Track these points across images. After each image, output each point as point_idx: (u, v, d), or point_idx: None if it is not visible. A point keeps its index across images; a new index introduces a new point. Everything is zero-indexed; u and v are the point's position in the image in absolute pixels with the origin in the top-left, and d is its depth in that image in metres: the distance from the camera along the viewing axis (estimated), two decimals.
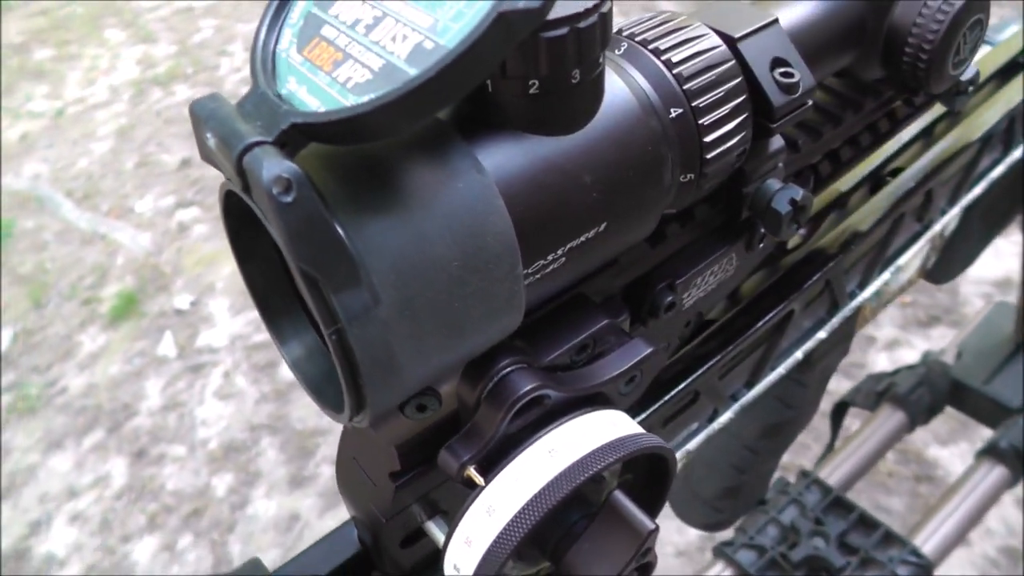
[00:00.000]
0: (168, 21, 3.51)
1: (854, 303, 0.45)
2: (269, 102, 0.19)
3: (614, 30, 0.25)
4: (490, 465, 0.23)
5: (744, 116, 0.25)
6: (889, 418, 0.78)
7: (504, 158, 0.21)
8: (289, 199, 0.17)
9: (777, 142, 0.28)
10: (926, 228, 0.49)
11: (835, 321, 0.44)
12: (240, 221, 0.21)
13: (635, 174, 0.22)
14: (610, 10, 0.20)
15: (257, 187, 0.17)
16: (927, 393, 0.78)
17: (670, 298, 0.28)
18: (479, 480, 0.23)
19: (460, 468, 0.23)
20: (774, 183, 0.28)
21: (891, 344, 1.58)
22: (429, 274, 0.19)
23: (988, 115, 0.49)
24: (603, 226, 0.22)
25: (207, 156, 0.19)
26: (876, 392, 0.79)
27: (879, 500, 1.35)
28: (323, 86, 0.19)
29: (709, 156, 0.24)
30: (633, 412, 0.34)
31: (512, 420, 0.23)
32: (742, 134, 0.25)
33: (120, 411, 1.77)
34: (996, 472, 0.74)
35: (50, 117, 2.86)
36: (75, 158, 2.64)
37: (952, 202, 0.50)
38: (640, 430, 0.24)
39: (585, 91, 0.21)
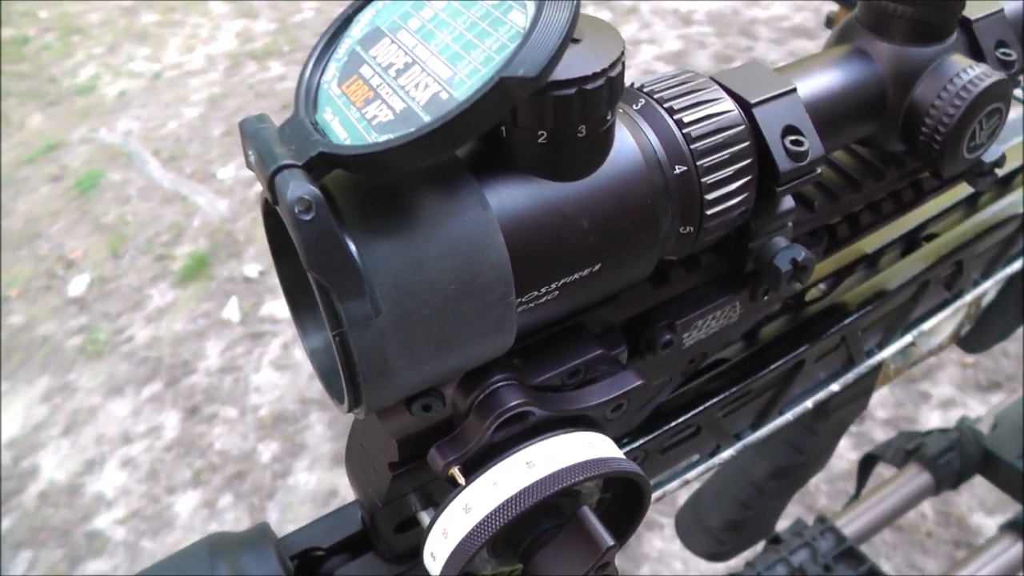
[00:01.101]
0: None
1: (871, 361, 0.46)
2: (304, 129, 0.21)
3: (638, 84, 0.27)
4: (473, 468, 0.25)
5: (748, 178, 0.26)
6: (915, 478, 0.78)
7: (509, 197, 0.23)
8: (308, 218, 0.19)
9: (787, 203, 0.30)
10: (956, 297, 0.49)
11: (850, 376, 0.45)
12: (276, 223, 0.24)
13: (632, 223, 0.25)
14: (620, 73, 0.22)
15: (282, 204, 0.19)
16: (956, 458, 0.78)
17: (668, 336, 0.30)
18: (461, 480, 0.25)
19: (445, 467, 0.26)
20: (780, 241, 0.30)
21: (946, 403, 1.56)
22: (426, 294, 0.22)
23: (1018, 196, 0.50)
24: (597, 267, 0.25)
25: (250, 167, 0.21)
26: (905, 450, 0.79)
27: (914, 559, 1.33)
28: (353, 120, 0.22)
29: (710, 212, 0.26)
30: (633, 437, 0.36)
31: (497, 430, 0.25)
32: (745, 195, 0.27)
33: (179, 367, 1.84)
34: (1017, 548, 0.73)
35: (148, 79, 2.97)
36: (166, 120, 2.73)
37: (986, 275, 0.51)
38: (617, 455, 0.26)
39: (590, 144, 0.23)
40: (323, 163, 0.21)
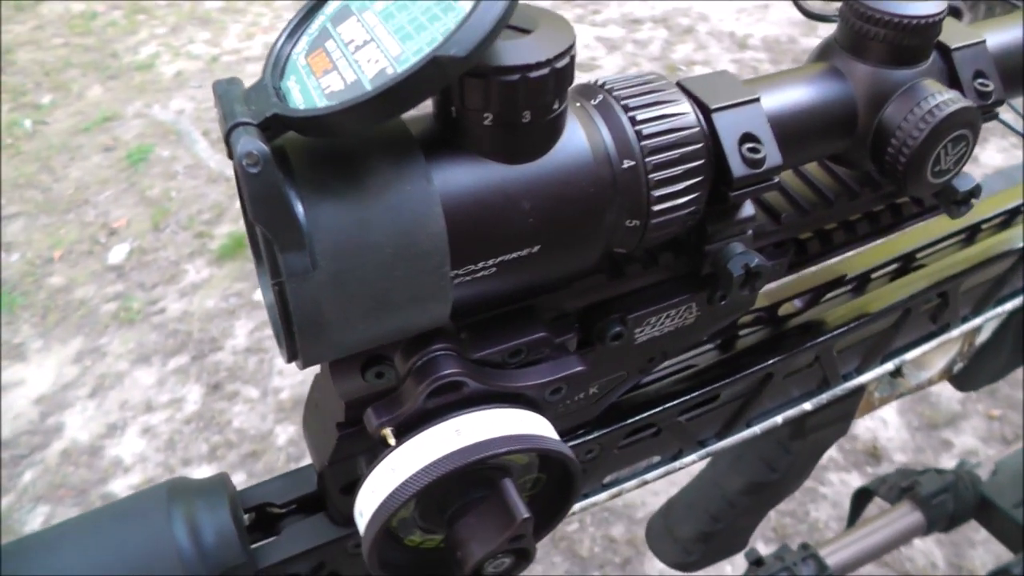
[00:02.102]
0: None
1: (847, 385, 0.46)
2: (266, 93, 0.23)
3: (601, 81, 0.28)
4: (404, 431, 0.27)
5: (698, 179, 0.27)
6: (906, 516, 0.77)
7: (453, 174, 0.24)
8: (255, 171, 0.21)
9: (746, 210, 0.30)
10: (942, 331, 0.49)
11: (824, 397, 0.46)
12: None
13: (574, 210, 0.26)
14: (566, 65, 0.24)
15: (234, 158, 0.21)
16: (951, 501, 0.77)
17: (618, 329, 0.31)
18: (391, 441, 0.27)
19: (378, 427, 0.27)
20: (737, 246, 0.30)
21: (968, 454, 1.54)
22: (364, 255, 0.23)
23: (1019, 235, 0.50)
24: (536, 248, 0.26)
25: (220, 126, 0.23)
26: (900, 487, 0.79)
27: None
28: (311, 88, 0.23)
29: (656, 208, 0.27)
30: (589, 429, 0.37)
31: (430, 397, 0.26)
32: (693, 195, 0.27)
33: (207, 343, 1.87)
34: None
35: (205, 61, 3.03)
36: None
37: (977, 312, 0.51)
38: (547, 434, 0.27)
39: (535, 130, 0.24)
40: (277, 124, 0.22)
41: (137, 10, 3.41)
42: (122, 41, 3.18)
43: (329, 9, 0.26)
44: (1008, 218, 0.52)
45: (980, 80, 0.34)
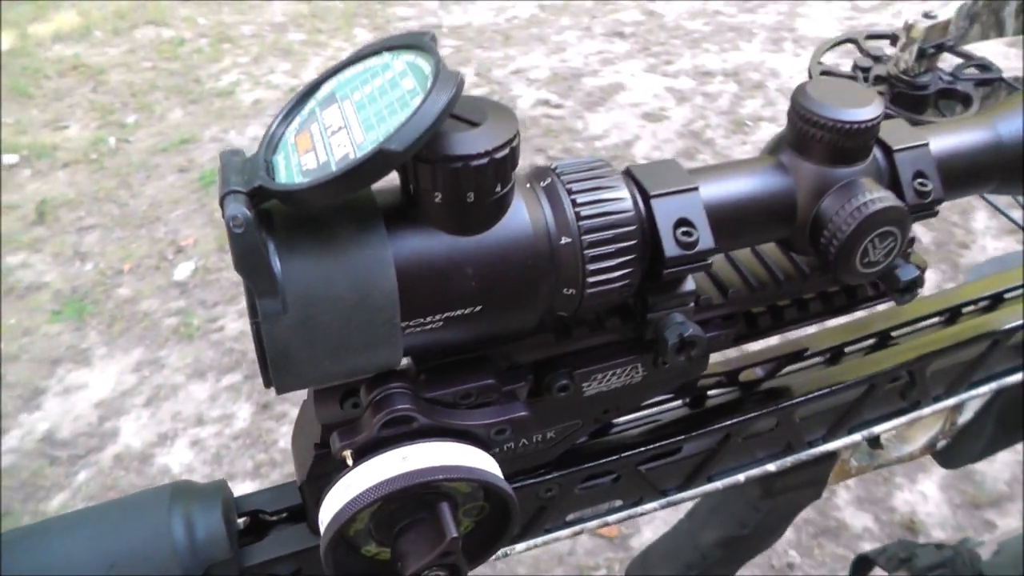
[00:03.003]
0: None
1: (813, 451, 0.49)
2: (257, 166, 0.28)
3: (554, 166, 0.32)
4: (361, 454, 0.31)
5: (630, 257, 0.31)
6: None
7: (406, 241, 0.28)
8: (239, 231, 0.26)
9: (688, 285, 0.34)
10: (913, 407, 0.52)
11: (788, 461, 0.49)
12: None
13: (512, 277, 0.30)
14: (506, 156, 0.28)
15: (224, 219, 0.26)
16: None
17: (565, 382, 0.35)
18: (349, 462, 0.31)
19: (339, 449, 0.31)
20: (677, 316, 0.34)
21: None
22: (327, 304, 0.28)
23: (997, 320, 0.52)
24: (478, 308, 0.30)
25: None
26: (899, 558, 0.80)
27: None
28: (292, 165, 0.28)
29: (590, 280, 0.31)
30: (549, 470, 0.41)
31: (384, 427, 0.31)
32: (626, 271, 0.31)
33: None
34: None
35: (283, 91, 3.15)
36: None
37: (950, 393, 0.53)
38: (485, 467, 0.31)
39: (479, 208, 0.29)
40: (262, 194, 0.27)
41: (223, 39, 3.57)
42: (206, 68, 3.34)
43: (321, 94, 0.31)
44: (991, 304, 0.55)
45: (920, 180, 0.37)
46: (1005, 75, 0.70)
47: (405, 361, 0.33)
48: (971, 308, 0.54)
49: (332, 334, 0.28)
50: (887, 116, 0.75)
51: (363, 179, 0.26)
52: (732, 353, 0.44)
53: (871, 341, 0.51)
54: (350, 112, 0.28)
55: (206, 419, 1.85)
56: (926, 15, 0.70)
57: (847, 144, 0.35)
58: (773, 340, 0.45)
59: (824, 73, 0.75)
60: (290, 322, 0.27)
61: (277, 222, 0.28)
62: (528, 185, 0.31)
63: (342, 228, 0.28)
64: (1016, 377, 0.55)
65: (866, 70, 0.75)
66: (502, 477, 0.32)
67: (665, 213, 0.32)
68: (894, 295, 0.39)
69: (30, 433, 1.84)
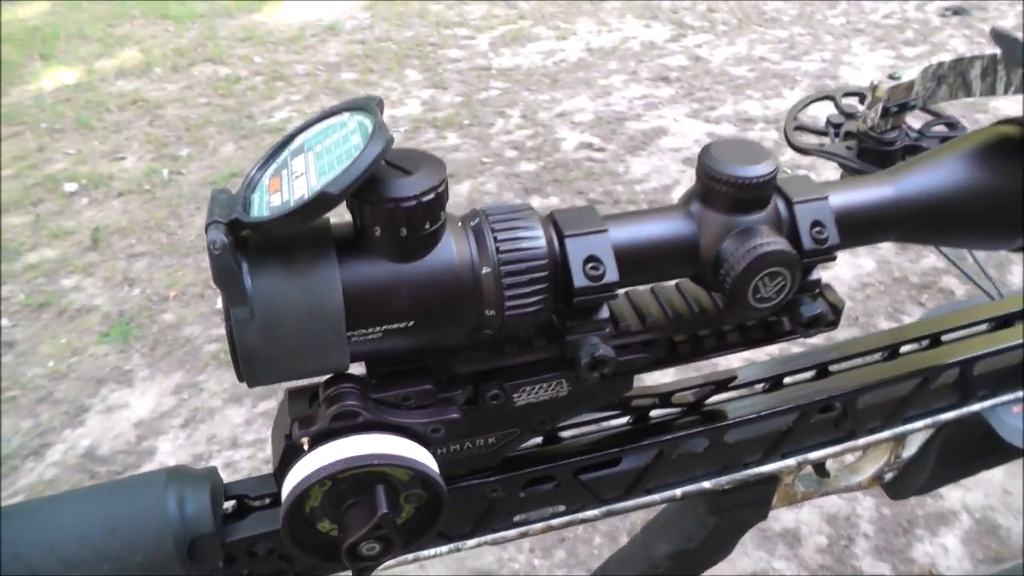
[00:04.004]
0: (464, 75, 3.86)
1: (748, 472, 0.54)
2: (236, 202, 0.35)
3: (484, 208, 0.39)
4: (315, 442, 0.37)
5: (542, 286, 0.37)
6: None
7: (352, 265, 0.35)
8: (217, 253, 0.32)
9: (602, 313, 0.40)
10: (848, 437, 0.57)
11: (723, 480, 0.54)
12: None
13: (439, 299, 0.36)
14: (432, 199, 0.34)
15: (207, 243, 0.33)
16: None
17: (495, 391, 0.41)
18: (306, 448, 0.37)
19: (298, 437, 0.38)
20: (592, 339, 0.40)
21: None
22: (286, 313, 0.34)
23: (931, 358, 0.57)
24: (411, 323, 0.36)
25: None
26: None
27: None
28: (263, 202, 0.35)
29: (508, 305, 0.37)
30: (492, 473, 0.47)
31: (335, 419, 0.37)
32: (538, 297, 0.37)
33: None
34: None
35: None
36: None
37: (886, 426, 0.58)
38: (418, 458, 0.37)
39: (412, 242, 0.35)
40: (237, 224, 0.34)
41: (277, 77, 3.73)
42: (259, 105, 3.48)
43: (293, 145, 0.38)
44: (930, 343, 0.59)
45: (817, 229, 0.42)
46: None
47: (361, 367, 0.39)
48: (909, 347, 0.59)
49: (290, 338, 0.35)
50: (857, 171, 0.81)
51: (309, 215, 0.32)
52: (699, 371, 0.50)
53: (810, 373, 0.56)
54: (311, 161, 0.35)
55: (240, 442, 1.93)
56: (891, 76, 0.76)
57: (743, 196, 0.41)
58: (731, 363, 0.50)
59: (798, 128, 0.81)
60: (256, 327, 0.34)
61: (251, 247, 0.35)
62: (460, 224, 0.38)
63: (302, 253, 0.35)
64: (951, 415, 0.60)
65: (837, 126, 0.80)
66: (433, 467, 0.38)
67: (576, 251, 0.38)
68: (799, 329, 0.44)
69: (73, 448, 1.94)
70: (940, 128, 0.82)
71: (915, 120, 0.80)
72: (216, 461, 1.86)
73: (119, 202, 2.85)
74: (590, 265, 0.38)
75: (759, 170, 0.41)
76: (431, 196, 0.35)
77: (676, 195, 2.80)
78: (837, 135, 0.80)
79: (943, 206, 0.46)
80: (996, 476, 1.74)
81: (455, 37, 4.33)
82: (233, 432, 1.95)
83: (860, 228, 0.45)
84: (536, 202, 2.79)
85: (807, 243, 0.42)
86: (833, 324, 0.47)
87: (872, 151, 0.77)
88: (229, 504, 0.47)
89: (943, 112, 0.82)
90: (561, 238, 0.38)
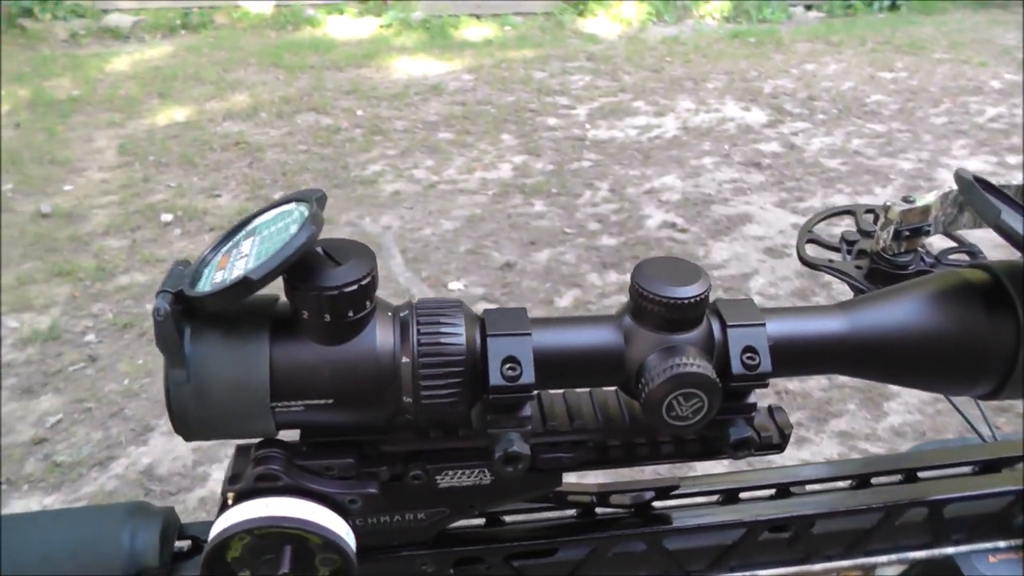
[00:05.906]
0: (558, 143, 3.92)
1: None
2: (187, 276, 0.39)
3: (417, 301, 0.42)
4: (240, 498, 0.41)
5: (457, 380, 0.39)
6: None
7: (281, 343, 0.38)
8: (160, 319, 0.37)
9: (525, 411, 0.42)
10: (802, 560, 0.56)
11: None
12: None
13: (358, 382, 0.39)
14: (356, 291, 0.37)
15: (152, 309, 0.37)
16: None
17: (417, 472, 0.43)
18: (231, 502, 0.41)
19: (225, 491, 0.41)
20: (511, 435, 0.41)
21: None
22: (217, 381, 0.38)
23: (898, 493, 0.57)
24: (331, 401, 0.39)
25: None
26: None
27: None
28: (210, 278, 0.38)
29: (423, 394, 0.39)
30: (425, 547, 0.49)
31: (258, 479, 0.41)
32: (453, 390, 0.39)
33: None
34: None
35: (423, 186, 3.37)
36: (424, 225, 3.09)
37: (845, 556, 0.57)
38: (328, 526, 0.40)
39: (336, 327, 0.38)
40: (182, 296, 0.38)
41: (376, 131, 3.87)
42: (355, 156, 3.62)
43: (251, 226, 0.42)
44: (903, 479, 0.59)
45: (748, 354, 0.43)
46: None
47: (295, 434, 0.42)
48: (880, 479, 0.58)
49: (220, 403, 0.38)
50: (861, 290, 0.80)
51: (233, 296, 0.36)
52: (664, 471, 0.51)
53: (771, 491, 0.57)
54: (256, 244, 0.39)
55: None
56: (905, 199, 0.75)
57: (672, 315, 0.42)
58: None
59: (810, 241, 0.81)
60: (191, 390, 0.38)
61: (198, 315, 0.39)
62: (389, 313, 0.41)
63: (240, 326, 0.39)
64: (920, 554, 0.58)
65: (852, 243, 0.80)
66: (341, 534, 0.41)
67: (496, 351, 0.40)
68: (727, 450, 0.45)
69: (134, 464, 2.03)
70: (959, 256, 0.81)
71: (943, 242, 0.79)
72: None
73: (210, 236, 2.99)
74: (507, 366, 0.40)
75: (689, 291, 0.42)
76: (354, 288, 0.38)
77: (753, 285, 2.78)
78: (850, 252, 0.80)
79: (895, 346, 0.46)
80: None
81: (555, 105, 4.41)
82: None
83: (801, 359, 0.45)
84: (612, 278, 2.81)
85: (736, 367, 0.43)
86: (778, 448, 0.47)
87: (882, 272, 0.76)
88: (185, 543, 0.50)
89: (964, 240, 0.82)
90: (484, 337, 0.41)
